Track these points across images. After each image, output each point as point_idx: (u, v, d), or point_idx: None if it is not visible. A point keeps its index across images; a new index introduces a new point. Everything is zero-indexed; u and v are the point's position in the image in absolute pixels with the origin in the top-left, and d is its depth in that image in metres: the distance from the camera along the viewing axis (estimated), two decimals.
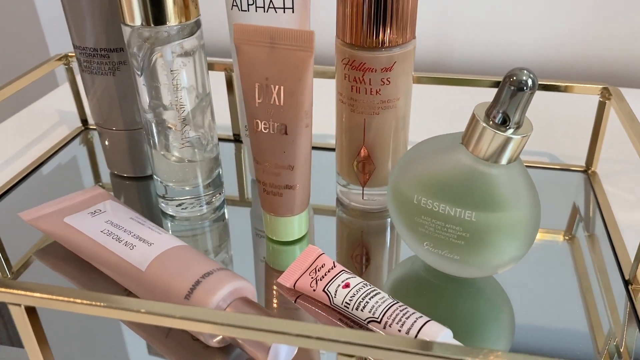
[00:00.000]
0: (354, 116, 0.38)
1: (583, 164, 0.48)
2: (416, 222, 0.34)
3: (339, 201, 0.45)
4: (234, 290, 0.30)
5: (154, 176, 0.42)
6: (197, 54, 0.37)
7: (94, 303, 0.25)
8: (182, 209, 0.42)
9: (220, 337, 0.30)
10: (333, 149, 0.47)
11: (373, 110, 0.38)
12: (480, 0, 0.66)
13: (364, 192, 0.41)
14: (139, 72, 0.37)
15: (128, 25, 0.36)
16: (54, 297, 0.25)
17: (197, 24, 0.37)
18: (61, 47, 0.79)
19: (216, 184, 0.42)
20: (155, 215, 0.43)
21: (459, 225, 0.32)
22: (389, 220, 0.43)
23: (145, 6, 0.35)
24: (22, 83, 0.47)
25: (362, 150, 0.39)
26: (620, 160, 0.49)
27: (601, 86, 0.44)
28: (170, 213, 0.43)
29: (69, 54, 0.52)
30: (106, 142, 0.46)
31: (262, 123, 0.35)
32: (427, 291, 0.37)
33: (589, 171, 0.47)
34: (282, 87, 0.34)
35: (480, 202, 0.32)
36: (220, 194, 0.43)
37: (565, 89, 0.45)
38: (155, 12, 0.35)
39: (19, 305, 0.26)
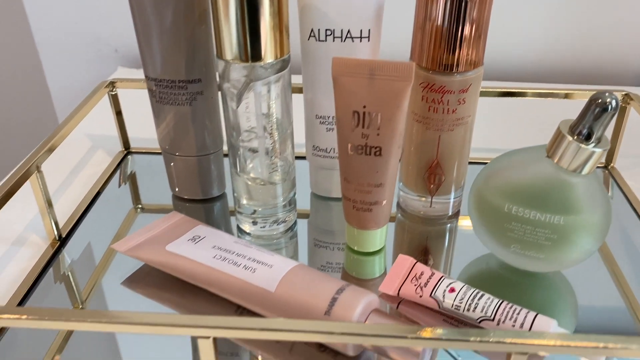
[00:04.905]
0: (428, 133, 0.42)
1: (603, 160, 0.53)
2: (505, 228, 0.38)
3: (399, 206, 0.48)
4: (368, 303, 0.34)
5: (235, 194, 0.44)
6: (286, 85, 0.40)
7: (287, 328, 0.27)
8: (261, 227, 0.44)
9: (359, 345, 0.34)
10: None
11: (448, 127, 0.41)
12: None
13: (432, 200, 0.45)
14: (235, 105, 0.39)
15: (225, 60, 0.38)
16: (237, 327, 0.28)
17: (289, 57, 0.39)
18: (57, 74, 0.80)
19: (291, 203, 0.45)
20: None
21: (548, 229, 0.37)
22: (448, 225, 0.47)
23: (245, 43, 0.37)
24: (81, 116, 0.47)
25: (433, 163, 0.43)
26: (632, 155, 0.56)
27: (623, 92, 0.50)
28: (247, 231, 0.45)
29: (113, 81, 0.52)
30: (172, 166, 0.48)
31: (358, 147, 0.39)
32: (502, 285, 0.41)
33: (609, 167, 0.53)
34: (379, 114, 0.37)
35: (567, 207, 0.36)
36: (295, 211, 0.46)
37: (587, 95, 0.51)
38: (254, 49, 0.37)
39: (208, 337, 0.28)
